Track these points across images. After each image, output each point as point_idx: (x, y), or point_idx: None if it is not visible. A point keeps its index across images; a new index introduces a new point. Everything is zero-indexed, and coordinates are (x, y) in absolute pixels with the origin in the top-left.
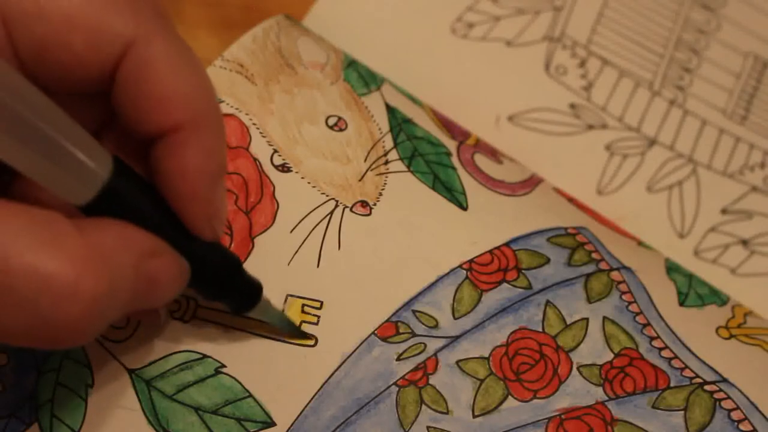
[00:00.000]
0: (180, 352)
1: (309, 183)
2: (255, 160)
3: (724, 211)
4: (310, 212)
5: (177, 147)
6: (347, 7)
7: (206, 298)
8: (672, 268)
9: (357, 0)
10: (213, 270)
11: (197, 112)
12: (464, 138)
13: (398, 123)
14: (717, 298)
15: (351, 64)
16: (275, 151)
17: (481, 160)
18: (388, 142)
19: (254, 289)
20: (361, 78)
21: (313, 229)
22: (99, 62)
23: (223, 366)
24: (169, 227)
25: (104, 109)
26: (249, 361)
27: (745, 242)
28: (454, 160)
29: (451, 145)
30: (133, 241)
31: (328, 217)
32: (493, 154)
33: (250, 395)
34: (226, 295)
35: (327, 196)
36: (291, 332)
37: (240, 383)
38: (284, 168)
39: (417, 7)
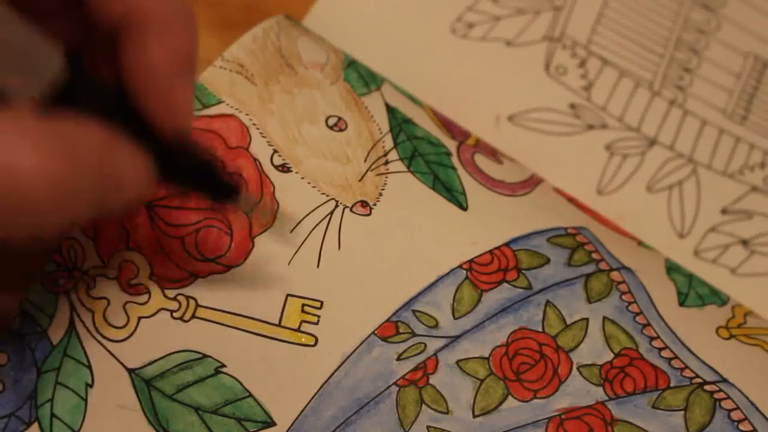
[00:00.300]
0: (180, 351)
1: (309, 183)
2: (255, 160)
3: (724, 211)
4: (311, 212)
5: (140, 38)
6: (347, 7)
7: (186, 191)
8: (672, 268)
9: (357, 0)
10: (181, 169)
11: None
12: (464, 138)
13: (398, 123)
14: (717, 298)
15: (351, 64)
16: (275, 151)
17: (481, 160)
18: (388, 142)
19: (228, 189)
20: (361, 78)
21: (313, 229)
22: None
23: (223, 366)
24: (134, 124)
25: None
26: (249, 361)
27: (745, 242)
28: (454, 160)
29: (451, 145)
30: (95, 133)
31: (328, 217)
32: (493, 154)
33: (250, 395)
34: (200, 190)
35: (327, 196)
36: (261, 216)
37: (240, 383)
38: (284, 168)
39: (417, 7)
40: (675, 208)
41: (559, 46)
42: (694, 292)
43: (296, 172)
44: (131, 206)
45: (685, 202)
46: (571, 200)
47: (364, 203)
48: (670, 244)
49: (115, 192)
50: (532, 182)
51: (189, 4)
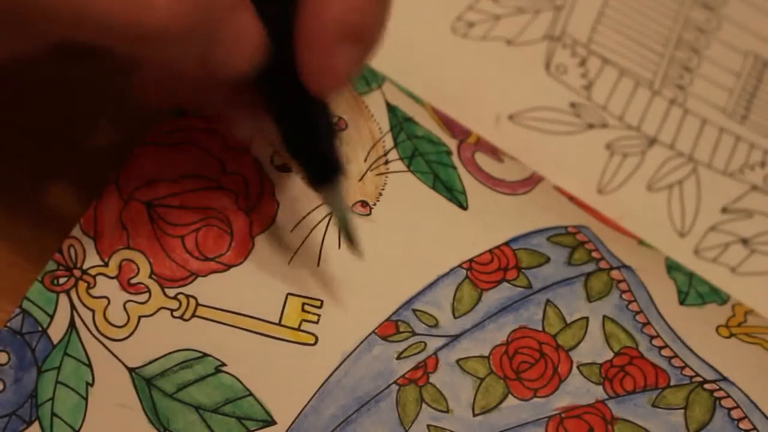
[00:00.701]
0: (180, 350)
1: None
2: (255, 160)
3: (724, 210)
4: (310, 212)
5: None
6: None
7: (289, 154)
8: (672, 267)
9: None
10: (302, 124)
11: None
12: (465, 137)
13: (399, 122)
14: (717, 296)
15: None
16: (275, 151)
17: (482, 159)
18: (389, 141)
19: (334, 169)
20: (362, 76)
21: (313, 228)
22: None
23: (224, 365)
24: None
25: None
26: (249, 360)
27: (745, 241)
28: (455, 159)
29: (451, 143)
30: None
31: (328, 216)
32: (494, 152)
33: (251, 394)
34: (306, 156)
35: None
36: (345, 231)
37: (240, 382)
38: (284, 168)
39: (417, 6)
40: (675, 207)
41: (560, 45)
42: (694, 290)
43: (296, 172)
44: (230, 74)
45: (686, 201)
46: (571, 199)
47: (364, 203)
48: (670, 243)
49: (226, 49)
50: (532, 181)
51: None
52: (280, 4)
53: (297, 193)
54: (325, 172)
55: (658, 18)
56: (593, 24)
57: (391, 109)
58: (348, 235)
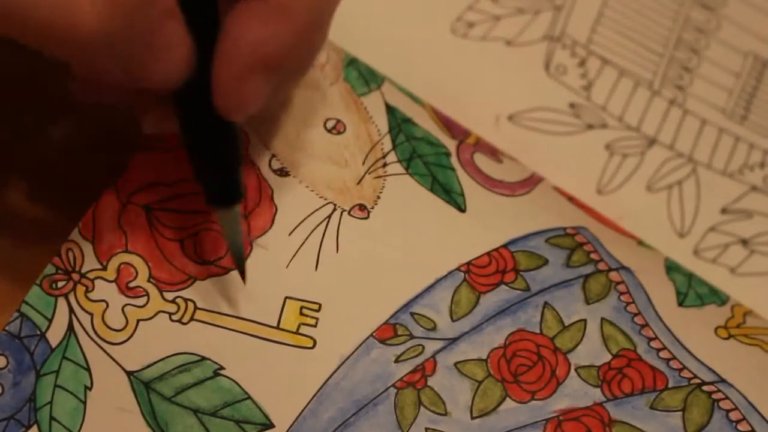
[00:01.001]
0: (178, 354)
1: (307, 187)
2: (253, 164)
3: (723, 211)
4: (308, 216)
5: (246, 14)
6: (347, 5)
7: (193, 171)
8: (672, 268)
9: None
10: (207, 145)
11: (297, 9)
12: (464, 137)
13: (398, 123)
14: (716, 297)
15: (351, 62)
16: (273, 155)
17: (481, 160)
18: (387, 143)
19: (232, 193)
20: (362, 77)
21: (311, 232)
22: None
23: (222, 368)
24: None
25: None
26: (247, 363)
27: (744, 242)
28: (453, 161)
29: (450, 144)
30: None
31: (326, 220)
32: (493, 153)
33: (249, 397)
34: (206, 176)
35: (325, 199)
36: (236, 261)
37: (239, 385)
38: (282, 172)
39: (417, 6)
40: (675, 208)
41: (559, 46)
42: (693, 291)
43: (294, 176)
44: (157, 85)
45: (685, 201)
46: (570, 199)
47: (362, 206)
48: (669, 244)
49: (152, 58)
50: (531, 181)
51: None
52: (209, 21)
53: (295, 197)
54: (223, 195)
55: (658, 18)
56: (593, 24)
57: (390, 110)
58: (237, 262)
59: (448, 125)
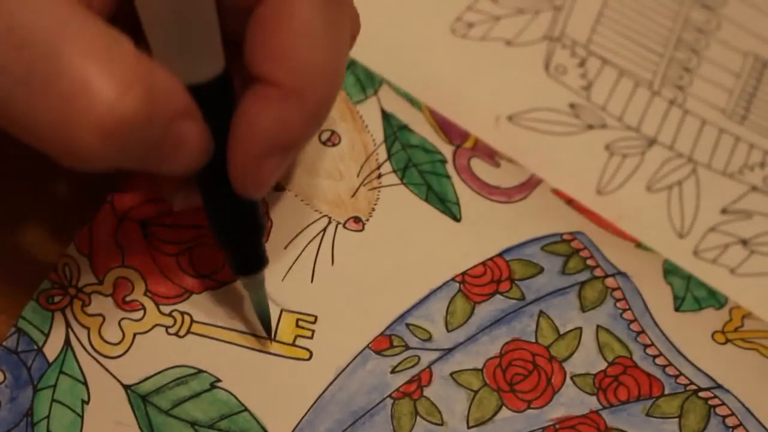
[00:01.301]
0: (175, 367)
1: (302, 201)
2: None
3: (723, 211)
4: (304, 229)
5: (261, 99)
6: None
7: (217, 242)
8: (670, 271)
9: None
10: (229, 220)
11: (300, 85)
12: (462, 140)
13: (393, 132)
14: (715, 300)
15: (349, 66)
16: None
17: (478, 165)
18: (382, 153)
19: (256, 261)
20: (358, 83)
21: (306, 245)
22: None
23: (219, 380)
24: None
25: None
26: (244, 376)
27: (744, 242)
28: (449, 168)
29: (447, 150)
30: (182, 96)
31: (321, 233)
32: (491, 156)
33: (246, 409)
34: (230, 247)
35: (320, 213)
36: (263, 323)
37: (235, 397)
38: (277, 187)
39: (416, 6)
40: (675, 208)
41: (559, 46)
42: (690, 295)
43: (289, 190)
44: (174, 174)
45: (685, 201)
46: (569, 202)
47: (356, 219)
48: (669, 244)
49: (168, 158)
50: (529, 185)
51: (333, 89)
52: (223, 109)
53: (290, 211)
54: (247, 264)
55: (658, 18)
56: (593, 24)
57: (386, 117)
58: (264, 324)
59: (446, 128)
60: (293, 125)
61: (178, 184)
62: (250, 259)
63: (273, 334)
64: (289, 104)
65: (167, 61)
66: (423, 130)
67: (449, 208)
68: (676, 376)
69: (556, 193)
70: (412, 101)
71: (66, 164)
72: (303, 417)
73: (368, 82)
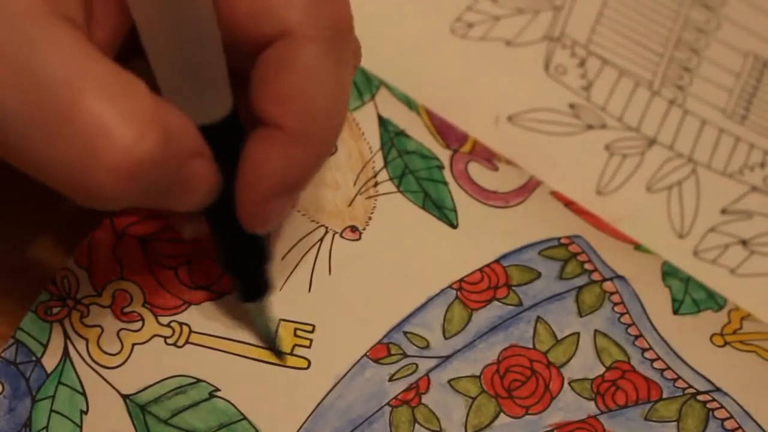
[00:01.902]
0: (174, 376)
1: (299, 211)
2: None
3: (723, 211)
4: (301, 239)
5: (266, 141)
6: None
7: (222, 269)
8: (668, 273)
9: None
10: (236, 251)
11: (305, 128)
12: (460, 144)
13: (390, 138)
14: (714, 302)
15: None
16: None
17: (475, 170)
18: (379, 161)
19: (260, 287)
20: (355, 88)
21: (303, 255)
22: (251, 36)
23: (217, 390)
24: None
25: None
26: (243, 385)
27: (744, 242)
28: (446, 174)
29: (444, 155)
30: (194, 136)
31: (318, 243)
32: (489, 159)
33: (245, 418)
34: (236, 275)
35: (317, 222)
36: (269, 345)
37: (234, 406)
38: None
39: (416, 6)
40: (674, 208)
41: (559, 46)
42: (689, 297)
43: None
44: (184, 210)
45: (685, 202)
46: (568, 204)
47: (353, 228)
48: (669, 245)
49: (179, 195)
50: (527, 188)
51: (334, 135)
52: (232, 147)
53: (287, 221)
54: (252, 291)
55: (658, 18)
56: (592, 24)
57: (383, 123)
58: (270, 347)
59: (444, 131)
60: (298, 166)
61: (187, 215)
62: (255, 287)
63: (279, 351)
64: (294, 147)
65: (177, 102)
66: (420, 134)
67: (446, 215)
68: (675, 380)
69: (555, 195)
70: (410, 104)
71: (81, 204)
72: (302, 425)
73: (365, 86)
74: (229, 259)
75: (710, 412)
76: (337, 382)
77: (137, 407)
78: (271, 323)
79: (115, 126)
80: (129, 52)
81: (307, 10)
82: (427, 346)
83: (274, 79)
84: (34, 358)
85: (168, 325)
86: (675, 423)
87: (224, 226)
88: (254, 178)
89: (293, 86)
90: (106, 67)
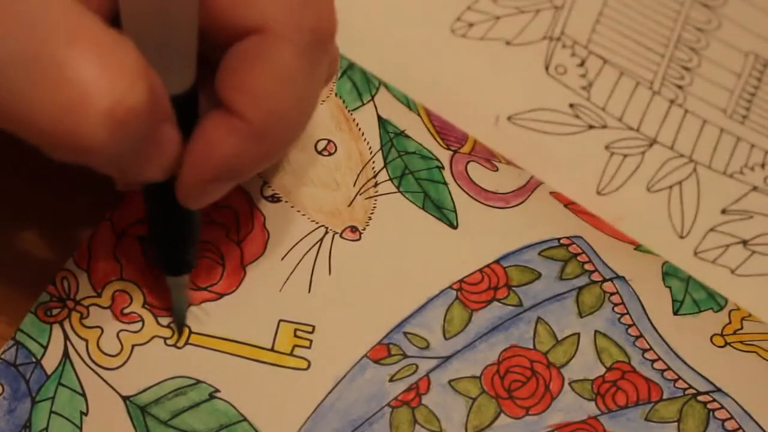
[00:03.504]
0: (174, 378)
1: (299, 211)
2: (245, 192)
3: (724, 211)
4: (301, 240)
5: (225, 127)
6: (344, 5)
7: (150, 239)
8: (668, 273)
9: None
10: (167, 221)
11: (267, 126)
12: (460, 144)
13: (390, 139)
14: (714, 302)
15: (346, 71)
16: (265, 182)
17: (475, 170)
18: (378, 161)
19: (182, 265)
20: (355, 89)
21: (303, 256)
22: (229, 24)
23: (217, 391)
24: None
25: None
26: (243, 386)
27: (745, 242)
28: (446, 174)
29: (444, 156)
30: (167, 100)
31: (318, 243)
32: (489, 160)
33: (245, 419)
34: (161, 247)
35: (316, 223)
36: (177, 322)
37: (234, 407)
38: (274, 198)
39: (416, 6)
40: (675, 208)
41: (559, 46)
42: (689, 298)
43: (286, 201)
44: (145, 180)
45: (685, 202)
46: (567, 205)
47: (353, 228)
48: (669, 245)
49: (148, 158)
50: (527, 189)
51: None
52: (187, 122)
53: (287, 221)
54: (175, 265)
55: (658, 18)
56: (593, 24)
57: (382, 124)
58: (178, 324)
59: (443, 132)
60: (249, 159)
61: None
62: (179, 262)
63: (181, 334)
64: (251, 140)
65: None
66: (420, 135)
67: (446, 215)
68: (675, 381)
69: (555, 195)
70: (409, 105)
71: (60, 156)
72: (302, 426)
73: (365, 87)
74: (158, 227)
75: (711, 413)
76: (337, 383)
77: (137, 408)
78: (184, 302)
79: (108, 74)
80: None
81: (290, 11)
82: (428, 347)
83: (246, 71)
84: (34, 360)
85: (168, 326)
86: (675, 423)
87: (160, 196)
88: (203, 159)
89: (264, 83)
90: (96, 21)
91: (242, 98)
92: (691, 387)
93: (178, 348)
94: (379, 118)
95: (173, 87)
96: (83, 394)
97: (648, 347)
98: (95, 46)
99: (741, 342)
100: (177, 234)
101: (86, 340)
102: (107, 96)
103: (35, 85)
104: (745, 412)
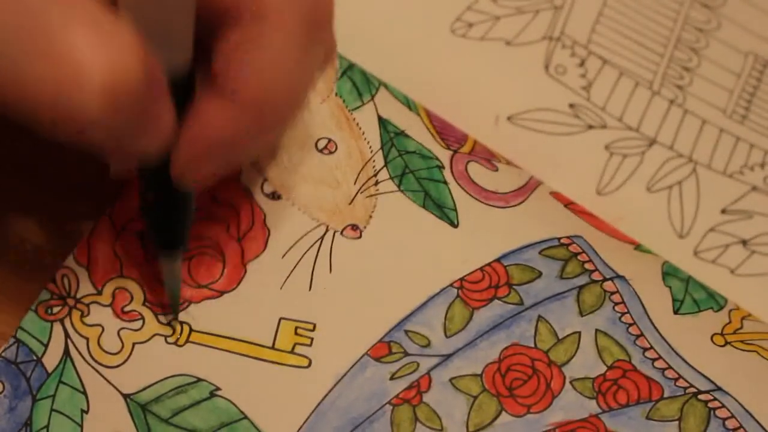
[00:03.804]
0: (175, 376)
1: (299, 209)
2: (246, 189)
3: (724, 211)
4: (301, 237)
5: (220, 103)
6: (345, 6)
7: (143, 211)
8: (669, 273)
9: None
10: (161, 198)
11: (262, 103)
12: (460, 144)
13: (390, 138)
14: (714, 302)
15: (346, 71)
16: (265, 179)
17: (475, 170)
18: (379, 160)
19: (175, 239)
20: (355, 89)
21: (304, 253)
22: (225, 6)
23: (218, 389)
24: None
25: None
26: (243, 384)
27: (745, 242)
28: (447, 174)
29: (444, 156)
30: (163, 77)
31: (318, 241)
32: (489, 160)
33: (246, 417)
34: (156, 223)
35: (317, 221)
36: (171, 300)
37: (235, 405)
38: (274, 196)
39: (416, 6)
40: (675, 208)
41: (559, 46)
42: (690, 297)
43: (286, 199)
44: (139, 157)
45: (685, 202)
46: (567, 205)
47: (354, 227)
48: (669, 245)
49: (141, 138)
50: (527, 189)
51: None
52: (181, 100)
53: (287, 219)
54: (168, 241)
55: (658, 18)
56: (593, 24)
57: (383, 124)
58: (172, 305)
59: (443, 132)
60: (244, 134)
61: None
62: (172, 238)
63: (176, 315)
64: (246, 115)
65: None
66: (420, 135)
67: (447, 214)
68: (676, 379)
69: (555, 195)
70: (410, 105)
71: (57, 133)
72: (303, 424)
73: (365, 87)
74: (151, 204)
75: (712, 412)
76: (338, 381)
77: (138, 406)
78: (177, 286)
79: (103, 49)
80: None
81: None
82: (429, 345)
83: (241, 53)
84: (34, 358)
85: (168, 324)
86: (676, 422)
87: (155, 181)
88: (197, 135)
89: (259, 63)
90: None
91: (236, 78)
92: (691, 386)
93: (179, 346)
94: (380, 117)
95: (169, 66)
96: (84, 392)
97: (648, 346)
98: (90, 22)
99: (741, 341)
100: (171, 209)
101: (87, 338)
102: (102, 70)
103: (31, 61)
104: (746, 410)
